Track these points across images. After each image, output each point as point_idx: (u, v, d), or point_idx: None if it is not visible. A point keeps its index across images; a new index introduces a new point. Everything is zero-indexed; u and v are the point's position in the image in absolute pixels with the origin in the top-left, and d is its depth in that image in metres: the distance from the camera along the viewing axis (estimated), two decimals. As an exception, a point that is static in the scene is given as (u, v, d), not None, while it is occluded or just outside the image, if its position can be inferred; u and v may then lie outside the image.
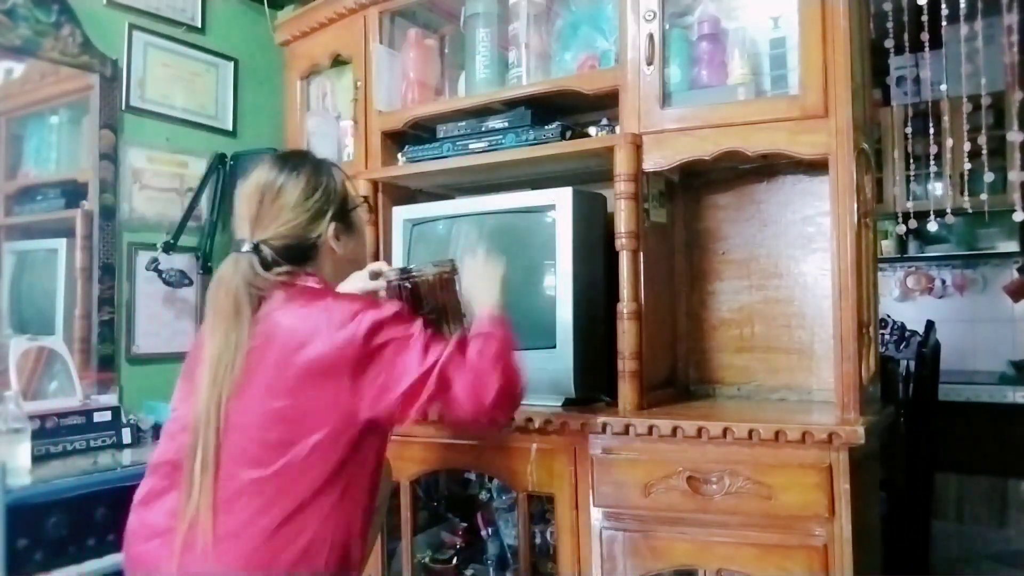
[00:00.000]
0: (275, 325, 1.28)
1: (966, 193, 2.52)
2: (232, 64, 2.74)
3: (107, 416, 2.15)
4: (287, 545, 1.22)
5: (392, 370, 1.26)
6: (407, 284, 1.49)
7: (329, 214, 1.38)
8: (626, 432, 1.65)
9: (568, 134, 1.93)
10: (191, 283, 2.51)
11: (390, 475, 1.77)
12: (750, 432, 1.53)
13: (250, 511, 1.22)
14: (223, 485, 1.23)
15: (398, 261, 2.07)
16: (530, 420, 1.76)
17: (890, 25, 2.44)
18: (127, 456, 2.09)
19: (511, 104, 2.02)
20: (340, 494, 1.27)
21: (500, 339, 1.35)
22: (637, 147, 1.79)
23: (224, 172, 2.62)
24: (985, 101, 2.70)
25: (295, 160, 1.41)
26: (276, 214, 1.34)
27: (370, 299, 1.43)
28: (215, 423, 1.24)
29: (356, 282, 1.60)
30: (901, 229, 2.78)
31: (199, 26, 2.64)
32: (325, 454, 1.25)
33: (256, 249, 1.33)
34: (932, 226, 2.54)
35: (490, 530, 2.14)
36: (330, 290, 1.39)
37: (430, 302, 1.50)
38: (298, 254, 1.36)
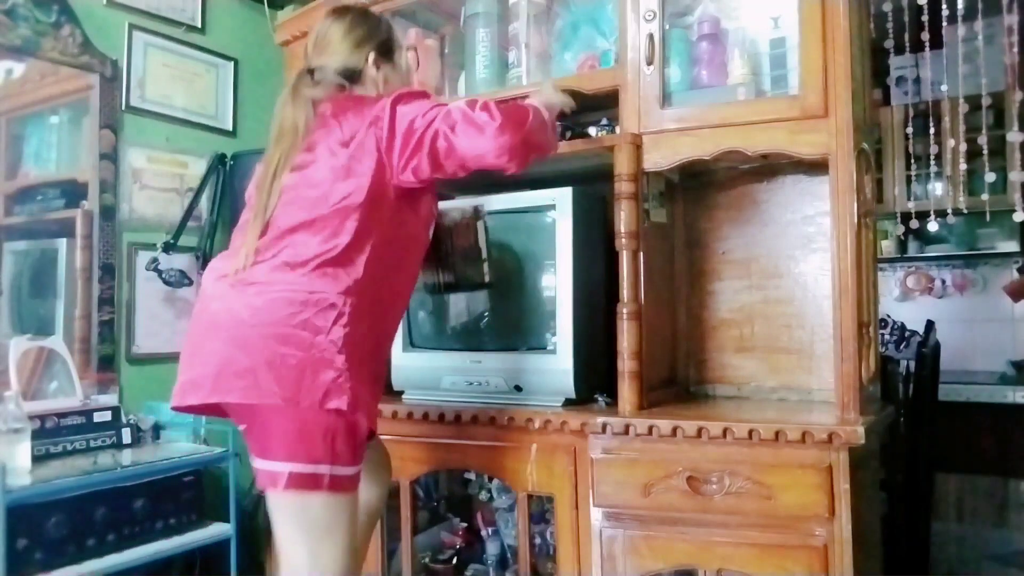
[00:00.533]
0: (327, 119, 1.45)
1: (966, 193, 2.51)
2: (232, 64, 2.74)
3: (107, 416, 2.15)
4: (305, 302, 1.33)
5: (403, 118, 1.40)
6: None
7: (371, 45, 1.57)
8: (626, 432, 1.65)
9: (568, 134, 1.93)
10: (191, 283, 2.51)
11: (390, 475, 1.77)
12: (750, 432, 1.53)
13: (281, 263, 1.36)
14: (267, 238, 1.39)
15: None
16: (530, 420, 1.76)
17: (890, 25, 2.44)
18: (127, 456, 2.09)
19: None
20: (368, 277, 1.38)
21: (519, 108, 1.47)
22: (637, 147, 1.79)
23: (224, 172, 2.62)
24: (985, 101, 2.70)
25: (344, 8, 1.66)
26: (325, 47, 1.57)
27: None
28: (269, 186, 1.42)
29: None
30: (901, 229, 2.78)
31: (199, 26, 2.64)
32: (358, 220, 1.38)
33: (310, 71, 1.54)
34: (932, 226, 2.54)
35: (490, 530, 2.15)
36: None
37: (447, 244, 1.64)
38: (345, 75, 1.55)
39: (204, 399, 1.35)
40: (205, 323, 1.41)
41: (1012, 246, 3.82)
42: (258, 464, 1.36)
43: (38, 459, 1.93)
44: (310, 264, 1.35)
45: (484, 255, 1.72)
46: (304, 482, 1.31)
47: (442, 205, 1.67)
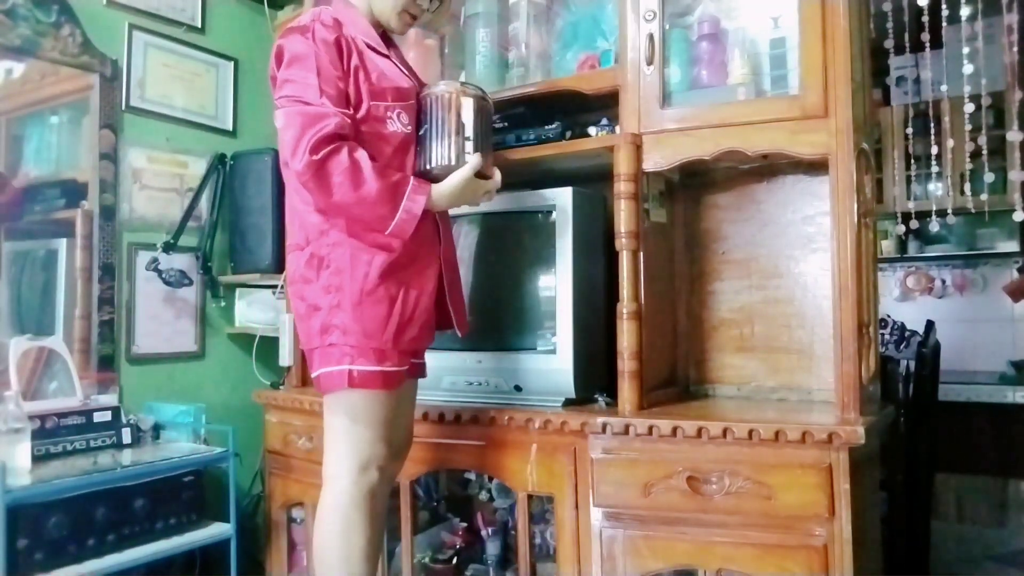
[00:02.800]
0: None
1: (966, 193, 2.52)
2: (232, 64, 2.74)
3: (107, 416, 2.15)
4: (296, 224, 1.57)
5: (279, 86, 1.51)
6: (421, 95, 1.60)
7: None
8: (626, 432, 1.65)
9: (568, 134, 1.93)
10: (191, 283, 2.51)
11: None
12: (750, 432, 1.53)
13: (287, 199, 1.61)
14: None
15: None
16: (530, 420, 1.76)
17: (890, 25, 2.44)
18: (127, 456, 2.09)
19: (511, 104, 2.02)
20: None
21: (368, 172, 1.47)
22: (637, 147, 1.79)
23: (224, 172, 2.62)
24: (985, 101, 2.69)
25: None
26: None
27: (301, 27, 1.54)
28: None
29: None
30: (901, 229, 2.78)
31: (199, 26, 2.64)
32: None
33: None
34: (932, 226, 2.54)
35: (490, 530, 2.14)
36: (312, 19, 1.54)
37: (429, 116, 1.59)
38: None
39: None
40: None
41: (1012, 246, 3.82)
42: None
43: (38, 459, 1.93)
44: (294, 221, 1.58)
45: (468, 133, 1.58)
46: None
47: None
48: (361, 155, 1.46)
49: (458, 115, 1.58)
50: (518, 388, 1.87)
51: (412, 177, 1.55)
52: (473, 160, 1.57)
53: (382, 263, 1.51)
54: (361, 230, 1.51)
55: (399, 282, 1.53)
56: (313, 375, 1.56)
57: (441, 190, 1.56)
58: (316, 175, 1.43)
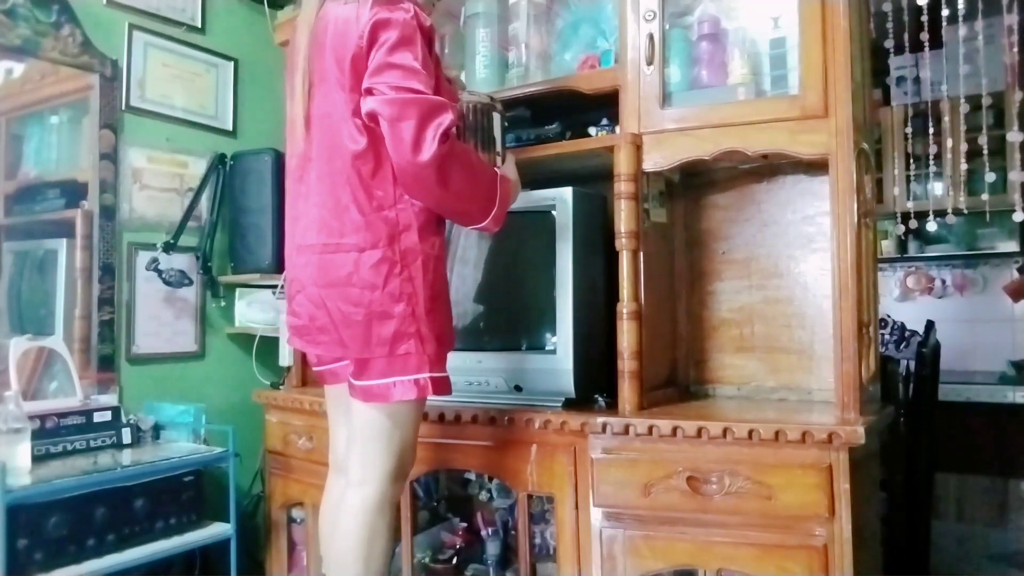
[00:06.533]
0: (328, 20, 1.49)
1: (966, 193, 2.52)
2: (232, 64, 2.74)
3: (107, 416, 2.15)
4: (350, 223, 1.46)
5: (379, 70, 1.41)
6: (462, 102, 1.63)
7: None
8: (626, 432, 1.65)
9: (568, 134, 1.93)
10: (191, 283, 2.51)
11: None
12: (750, 432, 1.53)
13: (324, 194, 1.49)
14: (313, 174, 1.52)
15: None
16: (530, 420, 1.76)
17: (890, 25, 2.44)
18: (127, 456, 2.09)
19: (511, 104, 2.02)
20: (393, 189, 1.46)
21: (476, 161, 1.52)
22: (637, 147, 1.79)
23: (224, 172, 2.62)
24: (985, 101, 2.70)
25: None
26: None
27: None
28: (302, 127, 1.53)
29: None
30: (901, 229, 2.78)
31: (199, 26, 2.64)
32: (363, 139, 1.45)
33: None
34: (932, 226, 2.54)
35: (490, 530, 2.14)
36: None
37: (471, 124, 1.63)
38: None
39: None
40: None
41: (1012, 246, 3.82)
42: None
43: (38, 459, 1.93)
44: None
45: (498, 148, 1.68)
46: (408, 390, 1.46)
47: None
48: (466, 145, 1.52)
49: (490, 126, 1.66)
50: (518, 388, 1.87)
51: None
52: (511, 158, 1.70)
53: (443, 271, 1.53)
54: (459, 220, 1.57)
55: (447, 286, 1.56)
56: (366, 383, 1.47)
57: (510, 185, 1.61)
58: (440, 168, 1.39)
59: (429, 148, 1.37)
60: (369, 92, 1.42)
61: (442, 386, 1.50)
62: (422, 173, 1.39)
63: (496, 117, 1.67)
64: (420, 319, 1.45)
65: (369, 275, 1.44)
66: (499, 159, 1.67)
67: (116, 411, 2.19)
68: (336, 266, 1.46)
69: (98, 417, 2.13)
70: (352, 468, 1.54)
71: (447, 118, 1.39)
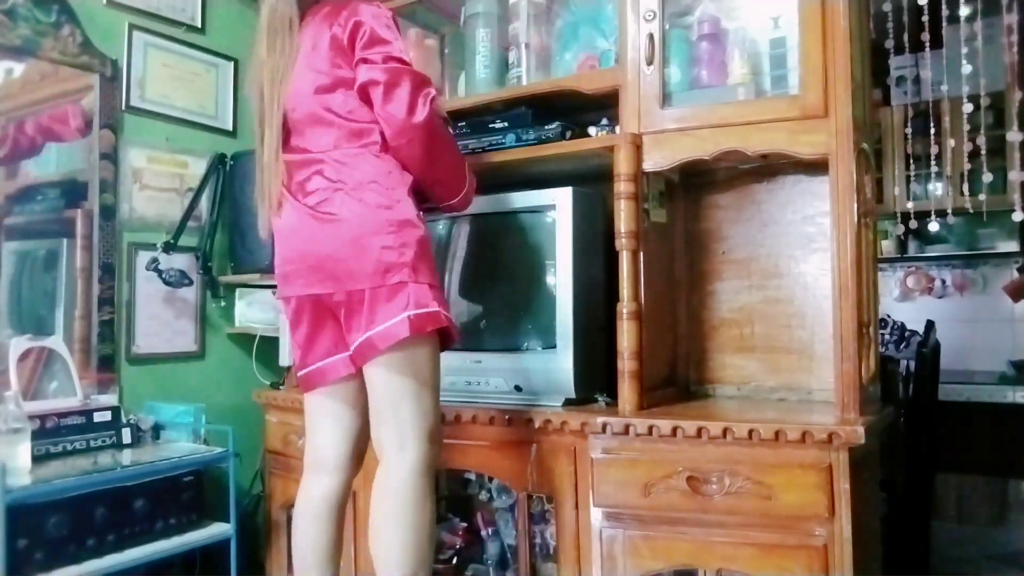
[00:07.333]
0: (317, 27, 1.58)
1: (966, 193, 2.52)
2: (232, 64, 2.74)
3: (107, 416, 2.15)
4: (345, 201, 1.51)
5: (369, 43, 1.52)
6: None
7: None
8: (626, 432, 1.65)
9: (568, 134, 1.93)
10: (191, 283, 2.51)
11: None
12: (750, 432, 1.53)
13: (314, 181, 1.55)
14: (292, 165, 1.58)
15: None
16: (530, 420, 1.76)
17: (890, 25, 2.44)
18: (127, 456, 2.09)
19: (511, 104, 2.02)
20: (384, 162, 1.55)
21: (452, 138, 1.71)
22: (637, 147, 1.79)
23: (224, 172, 2.62)
24: (985, 101, 2.69)
25: None
26: None
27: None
28: (277, 117, 1.58)
29: None
30: (901, 229, 2.78)
31: (199, 26, 2.64)
32: (358, 120, 1.55)
33: None
34: (932, 226, 2.54)
35: (490, 530, 2.15)
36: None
37: None
38: None
39: None
40: None
41: (1012, 246, 3.82)
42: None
43: (38, 459, 1.93)
44: None
45: None
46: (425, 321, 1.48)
47: None
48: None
49: None
50: (518, 388, 1.87)
51: None
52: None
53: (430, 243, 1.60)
54: (437, 195, 1.65)
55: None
56: (378, 328, 1.46)
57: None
58: (430, 131, 1.53)
59: (422, 111, 1.51)
60: (363, 61, 1.53)
61: (451, 325, 1.53)
62: (416, 133, 1.51)
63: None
64: (416, 252, 1.50)
65: (362, 206, 1.51)
66: None
67: (116, 411, 2.19)
68: (330, 205, 1.53)
69: (98, 417, 2.13)
70: (386, 443, 1.52)
71: (432, 90, 1.55)
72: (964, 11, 2.22)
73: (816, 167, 1.83)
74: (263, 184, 1.60)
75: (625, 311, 1.76)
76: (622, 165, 1.77)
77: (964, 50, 2.27)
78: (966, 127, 2.46)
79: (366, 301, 1.47)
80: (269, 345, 2.58)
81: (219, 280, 2.65)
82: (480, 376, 1.91)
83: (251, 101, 1.66)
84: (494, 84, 2.09)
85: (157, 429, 2.29)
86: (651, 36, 1.78)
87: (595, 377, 1.87)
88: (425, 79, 1.55)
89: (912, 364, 2.51)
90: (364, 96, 1.54)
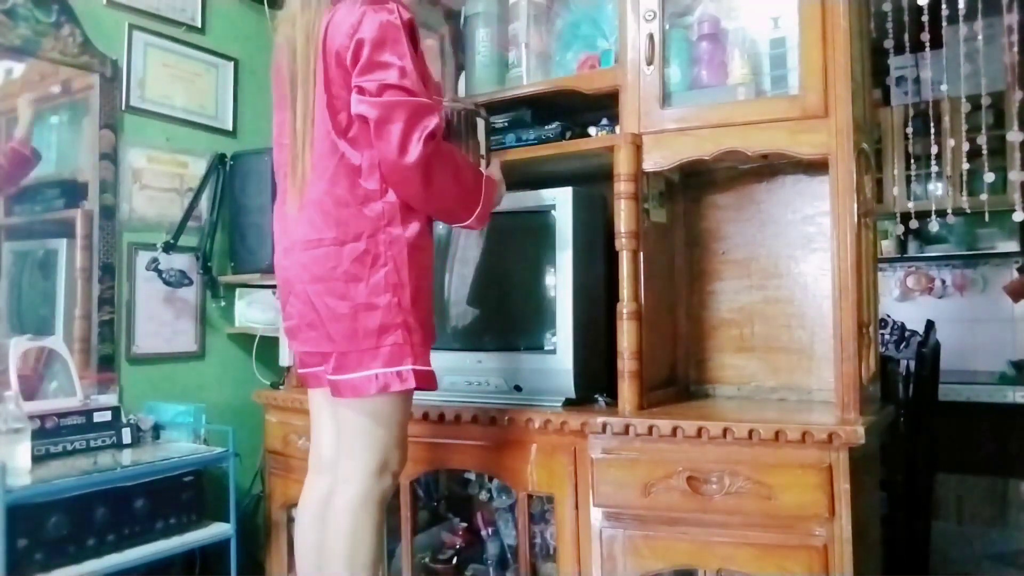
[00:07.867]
0: (332, 26, 1.47)
1: (966, 193, 2.51)
2: (232, 64, 2.74)
3: (107, 416, 2.15)
4: (333, 218, 1.47)
5: (367, 68, 1.43)
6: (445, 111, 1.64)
7: None
8: (626, 432, 1.65)
9: (568, 134, 1.93)
10: (191, 283, 2.50)
11: None
12: (750, 432, 1.53)
13: (324, 184, 1.48)
14: (311, 169, 1.50)
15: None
16: (530, 420, 1.76)
17: (890, 25, 2.44)
18: (127, 456, 2.09)
19: (511, 104, 2.02)
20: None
21: (460, 161, 1.56)
22: (637, 147, 1.79)
23: (224, 172, 2.62)
24: (985, 101, 2.70)
25: None
26: None
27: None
28: (308, 126, 1.50)
29: None
30: (901, 229, 2.77)
31: (199, 26, 2.64)
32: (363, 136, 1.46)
33: None
34: (932, 226, 2.54)
35: (490, 530, 2.15)
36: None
37: (456, 129, 1.66)
38: None
39: None
40: None
41: (1012, 246, 3.82)
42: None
43: (38, 459, 1.93)
44: None
45: (483, 151, 1.72)
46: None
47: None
48: (451, 146, 1.54)
49: (474, 131, 1.70)
50: (518, 388, 1.87)
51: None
52: (496, 162, 1.72)
53: (428, 263, 1.55)
54: (443, 219, 1.61)
55: (431, 279, 1.58)
56: (347, 376, 1.47)
57: (494, 186, 1.64)
58: (426, 169, 1.43)
59: (415, 150, 1.41)
60: (358, 91, 1.44)
61: (426, 379, 1.50)
62: (407, 174, 1.43)
63: (480, 123, 1.71)
64: (407, 310, 1.47)
65: (352, 268, 1.46)
66: (484, 162, 1.71)
67: (116, 411, 2.19)
68: (320, 260, 1.48)
69: (98, 417, 2.13)
70: (339, 467, 1.55)
71: (432, 121, 1.43)
72: (964, 11, 2.21)
73: (816, 167, 1.83)
74: (294, 152, 1.51)
75: (625, 311, 1.76)
76: (622, 165, 1.77)
77: (964, 50, 2.27)
78: (966, 127, 2.46)
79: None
80: (269, 345, 2.58)
81: (219, 280, 2.64)
82: (480, 376, 1.91)
83: (277, 61, 1.58)
84: (494, 84, 2.09)
85: (157, 429, 2.29)
86: (651, 36, 1.78)
87: (595, 377, 1.87)
88: (423, 110, 1.43)
89: (912, 364, 2.51)
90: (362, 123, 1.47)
